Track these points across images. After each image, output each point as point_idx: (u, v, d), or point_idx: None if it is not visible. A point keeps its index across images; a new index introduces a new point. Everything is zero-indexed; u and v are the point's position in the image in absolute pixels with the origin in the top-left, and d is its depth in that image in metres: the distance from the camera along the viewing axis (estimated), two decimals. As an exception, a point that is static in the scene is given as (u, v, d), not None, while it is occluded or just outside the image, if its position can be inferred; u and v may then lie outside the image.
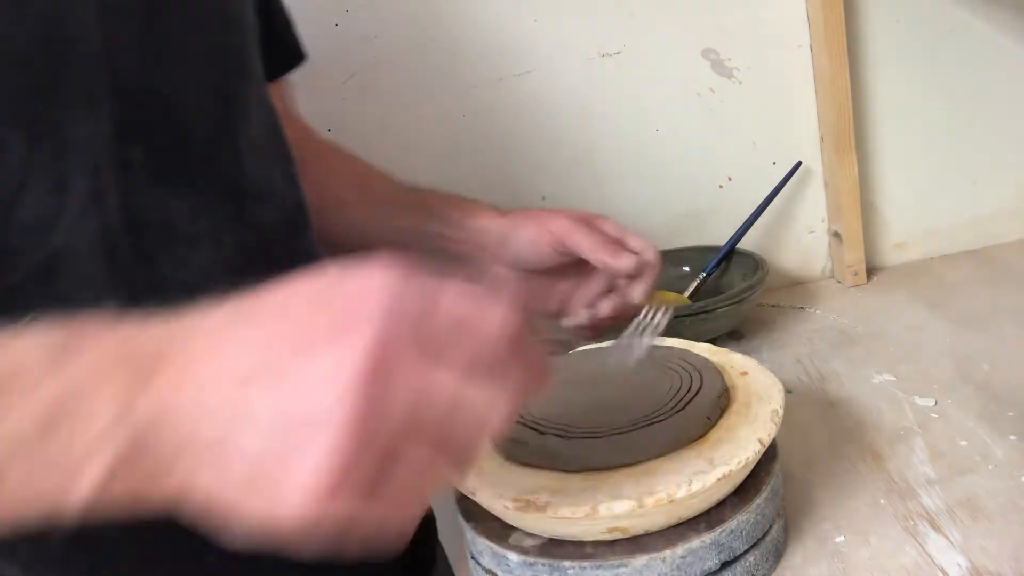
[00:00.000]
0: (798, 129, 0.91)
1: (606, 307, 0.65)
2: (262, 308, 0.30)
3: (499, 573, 0.48)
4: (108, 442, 0.28)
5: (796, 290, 0.95)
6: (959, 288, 0.86)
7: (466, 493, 0.48)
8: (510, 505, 0.44)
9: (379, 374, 0.27)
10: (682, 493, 0.43)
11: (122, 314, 0.30)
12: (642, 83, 0.89)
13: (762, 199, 0.90)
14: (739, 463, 0.45)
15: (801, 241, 0.96)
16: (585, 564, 0.45)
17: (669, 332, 0.65)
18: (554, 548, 0.46)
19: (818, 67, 0.88)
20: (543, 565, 0.45)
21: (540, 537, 0.47)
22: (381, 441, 0.27)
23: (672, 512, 0.45)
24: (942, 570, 0.47)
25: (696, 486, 0.43)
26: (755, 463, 0.47)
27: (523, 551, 0.46)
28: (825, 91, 0.88)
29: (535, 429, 0.49)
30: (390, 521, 0.29)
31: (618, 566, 0.44)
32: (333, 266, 0.30)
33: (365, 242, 0.65)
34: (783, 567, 0.49)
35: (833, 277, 0.96)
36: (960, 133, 0.92)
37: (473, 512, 0.50)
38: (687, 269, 0.90)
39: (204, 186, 0.45)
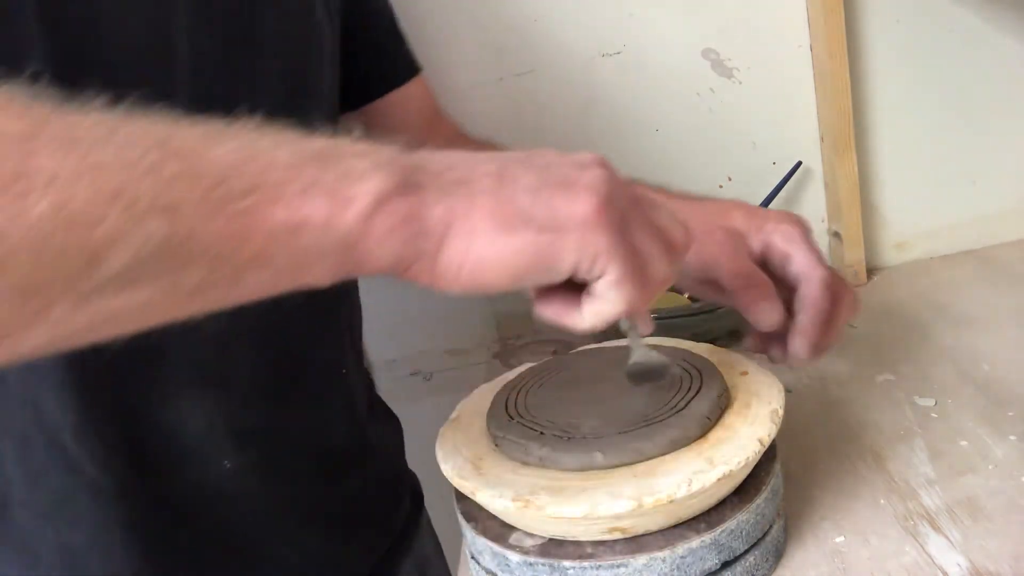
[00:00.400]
0: (798, 129, 0.91)
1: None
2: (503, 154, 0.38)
3: (499, 573, 0.48)
4: (379, 167, 0.33)
5: (796, 290, 0.95)
6: (959, 288, 0.86)
7: (466, 493, 0.48)
8: (510, 505, 0.45)
9: (610, 177, 0.37)
10: (682, 493, 0.43)
11: None
12: (642, 83, 0.89)
13: (762, 199, 0.90)
14: (739, 463, 0.45)
15: (801, 241, 0.96)
16: (585, 564, 0.45)
17: (669, 332, 0.65)
18: (554, 548, 0.46)
19: (818, 67, 0.88)
20: (543, 565, 0.45)
21: (540, 537, 0.47)
22: (619, 205, 0.36)
23: (672, 512, 0.45)
24: (942, 570, 0.47)
25: (696, 486, 0.43)
26: (755, 463, 0.47)
27: (523, 551, 0.46)
28: (825, 91, 0.88)
29: (535, 429, 0.49)
30: (643, 268, 0.37)
31: (618, 566, 0.44)
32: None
33: None
34: (783, 567, 0.49)
35: (833, 277, 0.96)
36: (960, 133, 0.92)
37: (473, 512, 0.50)
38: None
39: None
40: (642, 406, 0.50)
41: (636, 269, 0.37)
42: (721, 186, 0.93)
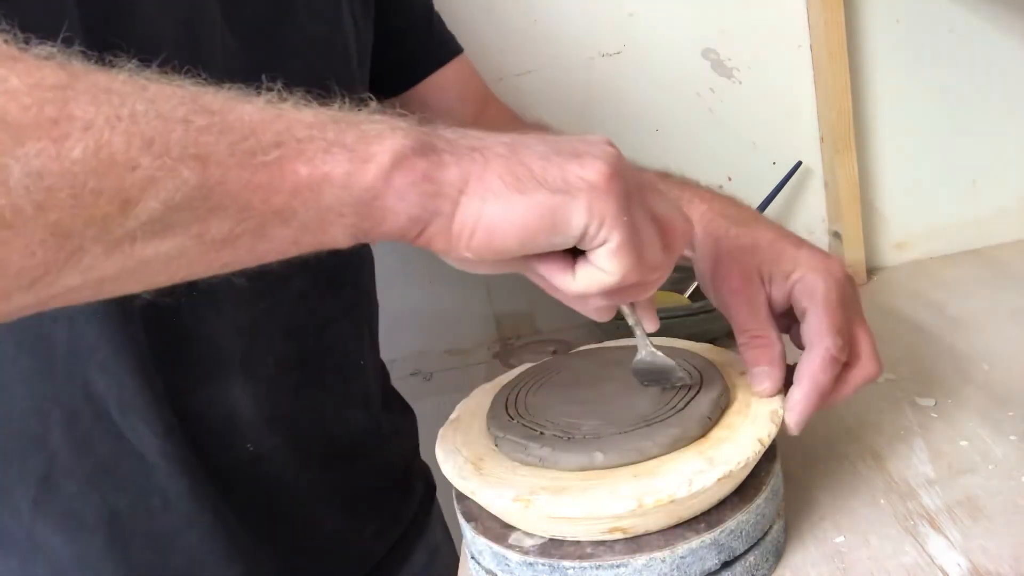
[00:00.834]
0: (798, 129, 0.91)
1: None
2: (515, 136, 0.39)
3: (499, 573, 0.48)
4: (396, 130, 0.34)
5: (796, 290, 0.95)
6: (959, 288, 0.86)
7: (466, 493, 0.48)
8: (511, 505, 0.45)
9: (619, 155, 0.38)
10: (683, 493, 0.43)
11: None
12: (642, 83, 0.89)
13: (762, 199, 0.90)
14: (740, 463, 0.45)
15: (801, 241, 0.96)
16: (585, 564, 0.45)
17: (669, 332, 0.65)
18: (553, 548, 0.46)
19: (818, 67, 0.88)
20: (543, 565, 0.45)
21: (540, 537, 0.47)
22: (626, 181, 0.37)
23: (673, 512, 0.45)
24: (942, 570, 0.47)
25: (697, 486, 0.43)
26: (755, 463, 0.47)
27: (523, 551, 0.46)
28: (825, 91, 0.88)
29: (535, 429, 0.49)
30: (641, 245, 0.38)
31: (618, 566, 0.44)
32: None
33: None
34: (783, 567, 0.49)
35: (833, 277, 0.96)
36: (960, 133, 0.92)
37: (473, 512, 0.50)
38: (687, 269, 0.90)
39: None
40: (642, 406, 0.50)
41: (636, 244, 0.38)
42: (721, 186, 0.92)
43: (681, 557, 0.45)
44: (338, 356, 0.62)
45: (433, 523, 0.74)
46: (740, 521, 0.46)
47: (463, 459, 0.49)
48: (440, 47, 0.75)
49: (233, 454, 0.55)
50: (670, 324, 0.76)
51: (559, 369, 0.57)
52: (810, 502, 0.55)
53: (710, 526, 0.45)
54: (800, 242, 0.54)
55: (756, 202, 0.90)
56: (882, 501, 0.54)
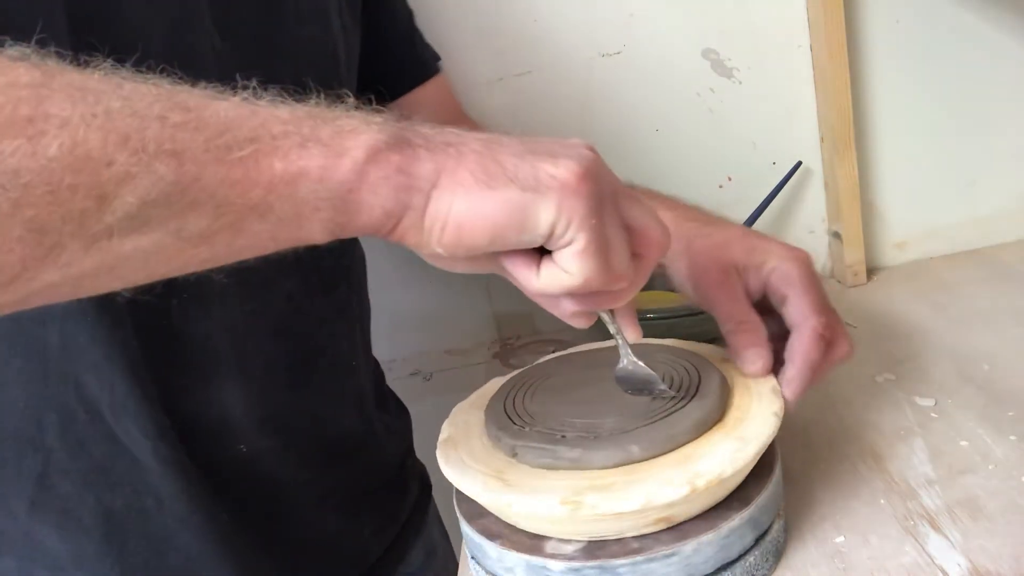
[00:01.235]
0: (798, 129, 0.91)
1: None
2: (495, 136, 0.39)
3: None
4: (370, 125, 0.35)
5: (796, 290, 0.95)
6: (959, 288, 0.86)
7: (499, 508, 0.47)
8: (558, 509, 0.43)
9: (596, 160, 0.38)
10: (729, 471, 0.44)
11: None
12: (642, 83, 0.89)
13: (762, 199, 0.90)
14: (768, 435, 0.46)
15: (801, 241, 0.96)
16: (637, 559, 0.44)
17: (669, 333, 0.65)
18: (597, 549, 0.45)
19: (818, 67, 0.88)
20: (592, 568, 0.45)
21: (578, 541, 0.46)
22: (599, 186, 0.37)
23: (715, 494, 0.45)
24: (942, 570, 0.47)
25: (740, 463, 0.44)
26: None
27: (567, 557, 0.45)
28: (825, 91, 0.88)
29: (555, 433, 0.48)
30: (607, 250, 0.38)
31: (669, 555, 0.44)
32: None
33: None
34: (783, 567, 0.49)
35: (833, 277, 0.96)
36: (960, 133, 0.92)
37: (495, 529, 0.49)
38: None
39: None
40: (650, 400, 0.50)
41: (601, 248, 0.38)
42: (721, 186, 0.93)
43: (725, 537, 0.45)
44: (331, 356, 0.62)
45: (430, 522, 0.74)
46: (769, 494, 0.47)
47: (483, 475, 0.47)
48: (421, 66, 0.75)
49: (226, 455, 0.55)
50: (670, 324, 0.76)
51: (546, 375, 0.56)
52: (810, 502, 0.55)
53: (744, 503, 0.46)
54: (767, 237, 0.58)
55: (756, 202, 0.90)
56: (882, 501, 0.54)
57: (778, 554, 0.50)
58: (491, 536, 0.49)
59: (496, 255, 0.40)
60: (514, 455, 0.49)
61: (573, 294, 0.41)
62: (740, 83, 0.90)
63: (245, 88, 0.34)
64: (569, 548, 0.46)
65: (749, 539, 0.47)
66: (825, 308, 0.54)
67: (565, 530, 0.46)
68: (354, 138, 0.34)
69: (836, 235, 0.93)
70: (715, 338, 0.79)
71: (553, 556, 0.46)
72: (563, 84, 0.88)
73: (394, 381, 0.98)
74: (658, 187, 0.92)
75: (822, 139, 0.91)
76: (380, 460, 0.68)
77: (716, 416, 0.48)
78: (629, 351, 0.50)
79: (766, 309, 0.55)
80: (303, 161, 0.32)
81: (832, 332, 0.54)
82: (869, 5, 0.87)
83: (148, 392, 0.51)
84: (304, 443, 0.60)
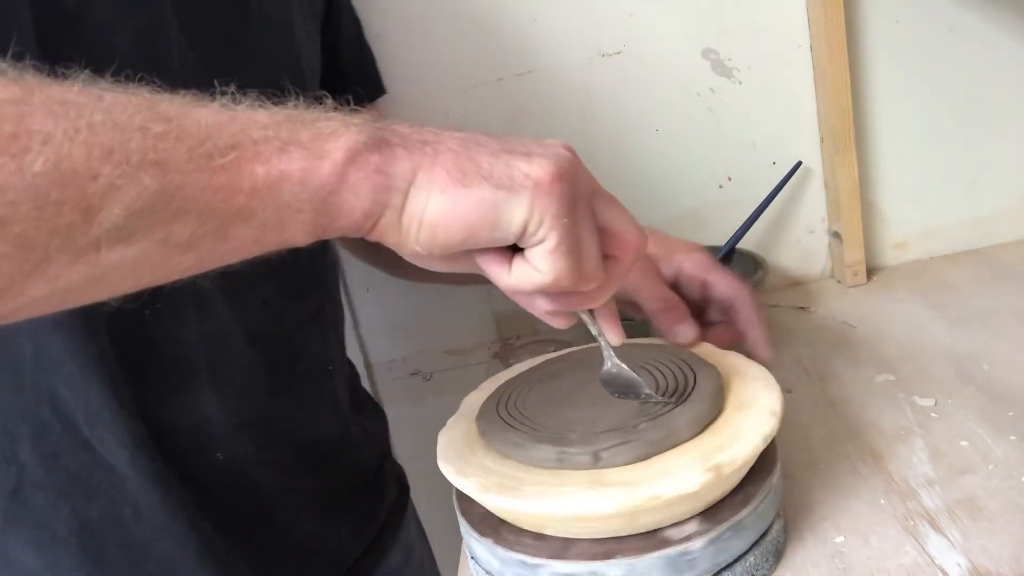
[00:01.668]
0: (798, 129, 0.91)
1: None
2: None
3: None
4: (350, 126, 0.35)
5: (796, 290, 0.95)
6: (959, 288, 0.86)
7: (553, 512, 0.45)
8: (641, 503, 0.43)
9: (572, 160, 0.39)
10: (750, 454, 0.45)
11: None
12: (642, 83, 0.89)
13: (762, 199, 0.90)
14: (773, 426, 0.47)
15: (801, 241, 0.96)
16: (637, 559, 0.45)
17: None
18: (597, 549, 0.45)
19: (818, 67, 0.88)
20: (591, 568, 0.45)
21: (578, 541, 0.46)
22: (574, 186, 0.38)
23: (732, 480, 0.47)
24: (942, 570, 0.47)
25: (768, 438, 0.46)
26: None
27: (567, 557, 0.45)
28: (825, 91, 0.88)
29: (555, 435, 0.49)
30: (578, 250, 0.38)
31: (670, 555, 0.45)
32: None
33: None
34: (783, 567, 0.49)
35: (833, 277, 0.96)
36: (960, 133, 0.92)
37: (495, 530, 0.49)
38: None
39: None
40: (640, 404, 0.50)
41: (573, 248, 0.38)
42: (721, 186, 0.93)
43: (724, 537, 0.46)
44: (307, 361, 0.62)
45: (407, 523, 0.74)
46: (769, 494, 0.48)
47: (507, 483, 0.46)
48: (365, 84, 0.76)
49: (205, 462, 0.55)
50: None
51: (538, 380, 0.56)
52: (810, 502, 0.55)
53: (743, 503, 0.47)
54: (667, 235, 0.66)
55: (756, 202, 0.90)
56: (882, 501, 0.54)
57: (778, 554, 0.50)
58: (491, 536, 0.49)
59: (471, 252, 0.40)
60: (558, 460, 0.48)
61: (545, 293, 0.41)
62: (740, 83, 0.90)
63: (223, 94, 0.34)
64: (569, 548, 0.46)
65: (749, 539, 0.47)
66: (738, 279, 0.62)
67: (565, 530, 0.46)
68: (334, 140, 0.34)
69: (836, 235, 0.93)
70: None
71: (553, 556, 0.46)
72: (563, 84, 0.88)
73: (394, 381, 0.98)
74: (658, 187, 0.93)
75: (822, 139, 0.91)
76: (358, 463, 0.68)
77: (716, 410, 0.49)
78: (612, 353, 0.50)
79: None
80: (284, 165, 0.33)
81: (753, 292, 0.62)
82: (869, 5, 0.87)
83: (124, 402, 0.50)
84: (282, 448, 0.60)
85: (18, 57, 0.31)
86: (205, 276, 0.35)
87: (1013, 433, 0.59)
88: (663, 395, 0.50)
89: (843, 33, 0.84)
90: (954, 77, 0.90)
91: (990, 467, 0.56)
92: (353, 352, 0.95)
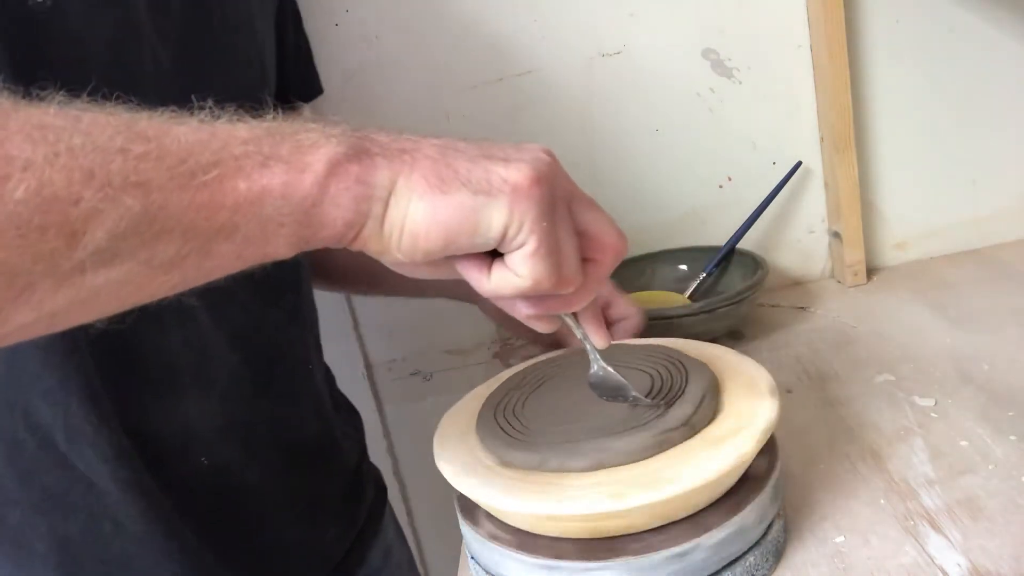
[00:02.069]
0: (798, 129, 0.91)
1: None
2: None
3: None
4: (330, 138, 0.35)
5: (796, 290, 0.95)
6: (959, 288, 0.86)
7: (503, 509, 0.46)
8: (672, 496, 0.43)
9: (551, 164, 0.39)
10: (753, 447, 0.45)
11: None
12: (642, 83, 0.89)
13: (762, 199, 0.90)
14: (772, 419, 0.47)
15: (801, 241, 0.96)
16: (637, 559, 0.45)
17: (669, 332, 0.65)
18: (596, 549, 0.45)
19: (818, 67, 0.88)
20: (591, 568, 0.45)
21: (578, 541, 0.46)
22: (553, 190, 0.38)
23: (730, 480, 0.47)
24: (942, 570, 0.47)
25: (759, 438, 0.46)
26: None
27: (567, 557, 0.46)
28: (825, 91, 0.88)
29: (572, 435, 0.49)
30: (558, 253, 0.38)
31: (670, 555, 0.45)
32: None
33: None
34: (783, 567, 0.49)
35: (833, 277, 0.96)
36: (960, 133, 0.92)
37: (495, 531, 0.49)
38: (687, 269, 0.90)
39: None
40: (630, 407, 0.50)
41: (552, 251, 0.38)
42: (721, 186, 0.93)
43: (724, 537, 0.46)
44: (287, 363, 0.63)
45: (386, 524, 0.75)
46: (769, 494, 0.48)
47: (505, 483, 0.46)
48: (304, 84, 0.75)
49: (190, 468, 0.55)
50: (670, 324, 0.76)
51: (537, 381, 0.57)
52: (810, 502, 0.55)
53: (743, 503, 0.47)
54: None
55: (756, 202, 0.90)
56: (882, 501, 0.54)
57: (778, 554, 0.50)
58: (491, 536, 0.49)
59: (452, 259, 0.40)
60: (508, 457, 0.49)
61: (525, 297, 0.41)
62: (740, 83, 0.90)
63: (202, 109, 0.34)
64: (569, 548, 0.46)
65: (749, 539, 0.47)
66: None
67: (565, 530, 0.46)
68: (314, 152, 0.34)
69: (836, 235, 0.93)
70: (716, 338, 0.79)
71: (553, 556, 0.46)
72: (563, 84, 0.88)
73: (394, 381, 0.98)
74: (658, 187, 0.93)
75: (822, 139, 0.91)
76: (339, 464, 0.68)
77: (713, 409, 0.49)
78: (598, 356, 0.50)
79: None
80: (266, 180, 0.33)
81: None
82: (869, 5, 0.87)
83: (105, 414, 0.50)
84: (267, 450, 0.60)
85: None
86: (192, 292, 0.35)
87: (1013, 433, 0.59)
88: (652, 397, 0.50)
89: (843, 33, 0.84)
90: (954, 77, 0.90)
91: (990, 467, 0.56)
92: (353, 352, 0.95)
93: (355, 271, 0.76)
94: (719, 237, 0.90)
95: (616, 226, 0.42)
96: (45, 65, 0.43)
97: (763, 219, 0.91)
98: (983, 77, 0.90)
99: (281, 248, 0.35)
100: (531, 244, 0.37)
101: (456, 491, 0.50)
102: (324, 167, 0.34)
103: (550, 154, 0.40)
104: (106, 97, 0.32)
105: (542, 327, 0.45)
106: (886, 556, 0.49)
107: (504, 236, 0.37)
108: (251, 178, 0.33)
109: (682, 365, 0.53)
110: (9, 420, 0.49)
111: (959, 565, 0.47)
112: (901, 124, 0.91)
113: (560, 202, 0.39)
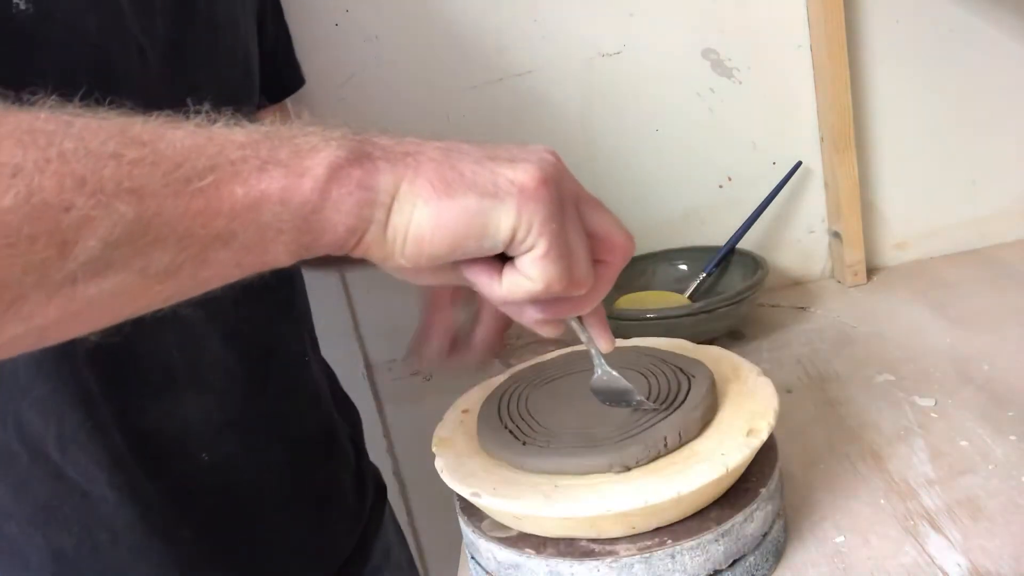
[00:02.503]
0: (798, 129, 0.91)
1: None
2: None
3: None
4: (329, 141, 0.34)
5: (796, 290, 0.95)
6: (959, 288, 0.86)
7: (503, 509, 0.46)
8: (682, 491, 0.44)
9: (556, 164, 0.38)
10: (762, 437, 0.46)
11: None
12: (642, 83, 0.89)
13: (762, 199, 0.90)
14: (771, 421, 0.48)
15: (801, 241, 0.96)
16: (636, 559, 0.45)
17: (669, 332, 0.65)
18: (596, 549, 0.46)
19: (818, 67, 0.88)
20: (591, 568, 0.45)
21: (578, 541, 0.46)
22: (560, 191, 0.37)
23: (727, 482, 0.47)
24: (942, 570, 0.47)
25: (763, 435, 0.46)
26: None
27: (567, 557, 0.45)
28: (825, 91, 0.88)
29: (579, 437, 0.49)
30: (569, 255, 0.38)
31: (670, 555, 0.45)
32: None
33: None
34: (783, 567, 0.49)
35: (833, 277, 0.96)
36: (960, 133, 0.92)
37: (535, 542, 0.48)
38: (687, 269, 0.90)
39: None
40: (631, 411, 0.50)
41: (563, 253, 0.37)
42: (721, 186, 0.93)
43: (724, 537, 0.46)
44: (281, 356, 0.62)
45: (386, 523, 0.75)
46: (769, 494, 0.48)
47: (503, 487, 0.46)
48: (285, 76, 0.74)
49: (189, 466, 0.54)
50: (670, 324, 0.76)
51: (537, 382, 0.57)
52: (810, 502, 0.55)
53: (743, 503, 0.47)
54: None
55: (756, 202, 0.90)
56: (882, 501, 0.54)
57: (778, 554, 0.50)
58: (491, 536, 0.49)
59: (458, 265, 0.39)
60: (507, 460, 0.49)
61: (536, 301, 0.40)
62: (740, 83, 0.90)
63: (197, 113, 0.33)
64: (568, 548, 0.46)
65: (749, 539, 0.47)
66: None
67: (564, 530, 0.46)
68: (313, 156, 0.33)
69: (836, 235, 0.93)
70: (716, 338, 0.80)
71: (552, 556, 0.46)
72: (563, 84, 0.88)
73: (394, 381, 0.98)
74: (658, 187, 0.93)
75: (822, 139, 0.91)
76: (342, 460, 0.68)
77: (714, 407, 0.49)
78: (602, 361, 0.49)
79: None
80: (264, 185, 0.32)
81: None
82: (869, 5, 0.87)
83: (101, 419, 0.49)
84: (265, 445, 0.59)
85: None
86: (189, 302, 0.34)
87: (1013, 433, 0.59)
88: (655, 401, 0.50)
89: (843, 33, 0.84)
90: (954, 77, 0.90)
91: (990, 467, 0.56)
92: (353, 352, 0.95)
93: None
94: (719, 237, 0.90)
95: (623, 226, 0.41)
96: (32, 71, 0.42)
97: (763, 219, 0.91)
98: (983, 77, 0.90)
99: (281, 255, 0.34)
100: (542, 246, 0.36)
101: (457, 493, 0.50)
102: (324, 171, 0.33)
103: (554, 154, 0.39)
104: (98, 102, 0.31)
105: (549, 331, 0.44)
106: (886, 556, 0.49)
107: (513, 239, 0.36)
108: (248, 183, 0.31)
109: (682, 368, 0.53)
110: (2, 432, 0.48)
111: (959, 565, 0.47)
112: (901, 124, 0.91)
113: (568, 203, 0.38)
